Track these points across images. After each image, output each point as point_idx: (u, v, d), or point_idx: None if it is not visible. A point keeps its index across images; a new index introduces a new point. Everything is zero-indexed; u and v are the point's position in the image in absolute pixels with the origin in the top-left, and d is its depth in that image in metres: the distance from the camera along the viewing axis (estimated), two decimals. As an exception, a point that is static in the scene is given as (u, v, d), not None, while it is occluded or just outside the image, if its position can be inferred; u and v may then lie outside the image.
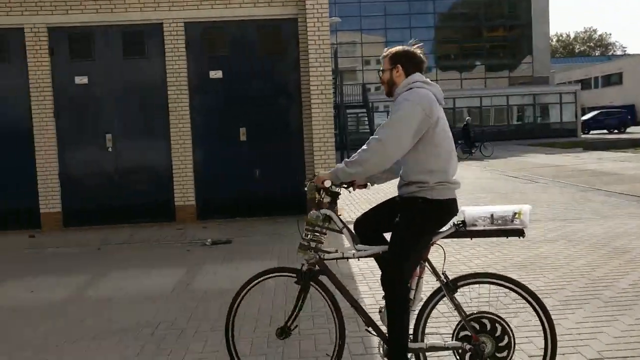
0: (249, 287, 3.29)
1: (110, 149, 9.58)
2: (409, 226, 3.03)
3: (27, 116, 9.47)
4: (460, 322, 3.04)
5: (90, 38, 9.50)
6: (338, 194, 3.16)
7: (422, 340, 3.12)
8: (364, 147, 3.01)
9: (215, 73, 9.64)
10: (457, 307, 3.02)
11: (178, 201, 9.60)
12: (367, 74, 45.80)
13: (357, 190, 3.34)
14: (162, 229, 9.19)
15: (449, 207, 3.09)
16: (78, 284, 6.00)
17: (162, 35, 9.51)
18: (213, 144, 9.72)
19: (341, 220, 3.18)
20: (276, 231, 8.56)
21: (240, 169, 9.72)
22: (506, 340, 3.00)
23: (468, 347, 3.00)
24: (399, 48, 3.23)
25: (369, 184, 3.30)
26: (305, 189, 4.19)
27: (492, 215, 3.02)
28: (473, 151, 24.12)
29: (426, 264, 3.10)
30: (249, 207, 9.74)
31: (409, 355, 3.07)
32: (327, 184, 3.08)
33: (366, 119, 31.42)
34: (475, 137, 24.80)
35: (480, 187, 12.70)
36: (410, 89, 3.08)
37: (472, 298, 3.54)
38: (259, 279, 3.28)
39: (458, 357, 3.05)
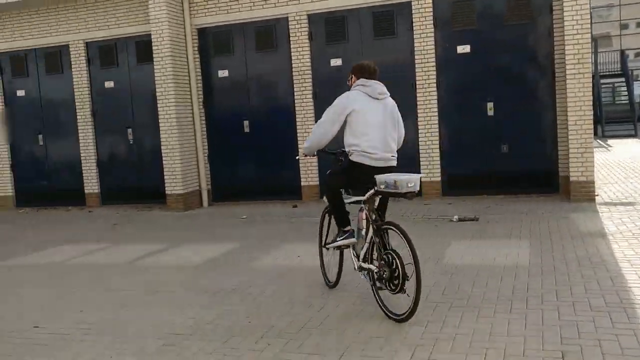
0: (324, 214, 5.17)
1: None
2: (334, 168, 4.82)
3: (290, 98, 10.46)
4: (379, 252, 4.30)
5: (343, 21, 10.07)
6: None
7: (369, 263, 4.45)
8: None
9: (463, 48, 9.51)
10: (379, 241, 4.28)
11: (424, 177, 9.77)
12: (624, 40, 40.89)
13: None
14: (409, 203, 9.45)
15: (362, 170, 4.46)
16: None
17: (411, 13, 9.66)
18: (459, 119, 9.66)
19: None
20: (524, 209, 8.23)
21: (486, 145, 9.53)
22: (397, 274, 4.08)
23: (377, 269, 4.28)
24: (355, 64, 4.83)
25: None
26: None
27: (394, 182, 4.13)
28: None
29: (365, 213, 4.50)
30: (495, 183, 9.51)
31: (365, 271, 4.52)
32: (301, 155, 5.20)
33: (624, 89, 28.14)
34: None
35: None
36: (352, 89, 4.70)
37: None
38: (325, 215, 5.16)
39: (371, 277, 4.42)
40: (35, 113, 12.03)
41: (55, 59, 11.76)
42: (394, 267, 4.12)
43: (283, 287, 5.26)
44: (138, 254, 7.22)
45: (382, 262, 4.21)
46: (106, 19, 11.27)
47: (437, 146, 9.73)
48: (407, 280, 4.03)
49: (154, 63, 10.55)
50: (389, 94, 4.77)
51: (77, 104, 11.64)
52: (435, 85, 9.66)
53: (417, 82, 9.72)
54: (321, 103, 10.30)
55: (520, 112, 9.33)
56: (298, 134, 10.43)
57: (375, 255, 4.40)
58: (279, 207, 10.22)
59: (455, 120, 9.69)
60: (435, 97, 9.68)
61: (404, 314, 4.07)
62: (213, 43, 10.86)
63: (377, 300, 4.37)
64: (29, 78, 11.99)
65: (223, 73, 10.87)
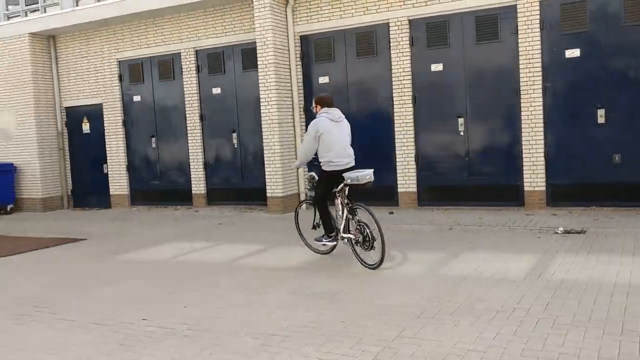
0: (296, 210, 7.58)
1: (462, 132, 9.92)
2: (318, 179, 6.84)
3: (389, 103, 10.46)
4: (356, 224, 6.34)
5: (445, 26, 9.93)
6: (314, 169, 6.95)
7: (348, 233, 6.46)
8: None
9: (572, 52, 9.09)
10: (354, 218, 6.35)
11: (527, 186, 9.42)
12: None
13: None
14: (510, 213, 9.16)
15: (332, 174, 6.50)
16: (433, 261, 6.43)
17: (516, 17, 9.37)
18: (566, 127, 9.23)
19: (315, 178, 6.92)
20: (638, 224, 7.72)
21: (596, 154, 9.04)
22: (368, 234, 6.14)
23: (354, 236, 6.32)
24: (317, 97, 6.81)
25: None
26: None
27: (357, 177, 6.33)
28: None
29: (339, 198, 6.54)
30: (605, 195, 9.00)
31: (344, 239, 6.56)
32: (295, 167, 9.09)
33: None
34: None
35: None
36: (319, 115, 6.60)
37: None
38: (302, 204, 7.69)
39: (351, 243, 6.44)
40: (149, 117, 12.81)
41: (168, 66, 12.46)
42: (365, 233, 6.20)
43: (379, 293, 5.28)
44: (240, 253, 7.50)
45: (357, 231, 6.29)
46: (214, 27, 11.80)
47: (542, 154, 9.35)
48: (375, 241, 6.11)
49: (258, 70, 10.91)
50: (344, 116, 6.80)
51: (187, 108, 12.27)
52: (540, 90, 9.29)
53: (521, 88, 9.39)
54: (421, 108, 10.22)
55: (636, 121, 8.78)
56: (396, 140, 10.40)
57: (351, 227, 6.44)
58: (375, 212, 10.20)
59: (561, 127, 9.27)
60: (541, 103, 9.31)
61: (375, 263, 6.14)
62: (315, 50, 11.07)
63: (356, 256, 6.38)
64: (144, 84, 12.78)
65: (324, 79, 11.05)
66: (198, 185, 12.33)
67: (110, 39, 12.97)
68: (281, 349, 4.05)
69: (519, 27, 9.35)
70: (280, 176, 10.83)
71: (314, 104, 6.85)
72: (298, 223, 7.41)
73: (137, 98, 12.92)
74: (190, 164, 12.37)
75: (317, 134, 6.47)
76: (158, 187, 12.88)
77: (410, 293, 5.21)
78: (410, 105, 10.26)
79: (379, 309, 4.82)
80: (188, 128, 12.32)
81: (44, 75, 13.47)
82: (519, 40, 9.37)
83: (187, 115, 12.30)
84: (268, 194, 10.96)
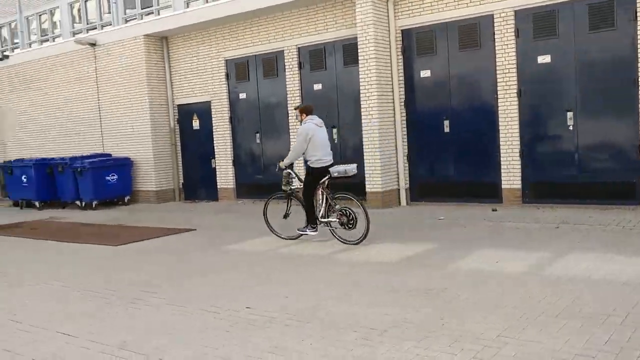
0: (267, 203, 8.71)
1: (570, 127, 9.46)
2: (306, 175, 8.00)
3: (492, 96, 10.17)
4: (339, 210, 7.71)
5: (553, 16, 9.49)
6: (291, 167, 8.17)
7: (327, 217, 7.83)
8: (290, 151, 8.16)
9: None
10: (334, 205, 7.76)
11: (644, 183, 8.84)
12: None
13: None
14: (624, 212, 8.63)
15: (319, 169, 7.81)
16: (537, 260, 6.20)
17: (635, 2, 8.79)
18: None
19: (294, 175, 8.18)
20: None
21: None
22: (353, 218, 7.59)
23: (338, 219, 7.70)
24: (303, 106, 8.18)
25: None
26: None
27: (345, 170, 7.80)
28: None
29: (320, 189, 7.87)
30: None
31: (326, 224, 7.93)
32: (282, 165, 8.13)
33: None
34: None
35: None
36: (305, 122, 7.90)
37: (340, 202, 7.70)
38: (270, 199, 8.67)
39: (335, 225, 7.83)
40: (253, 114, 13.24)
41: (271, 64, 12.82)
42: (350, 216, 7.63)
43: (480, 292, 5.18)
44: (336, 248, 7.60)
45: (340, 214, 7.70)
46: (316, 24, 11.99)
47: (662, 149, 8.73)
48: (357, 221, 7.57)
49: (359, 65, 10.96)
50: (323, 123, 8.12)
51: (289, 105, 12.56)
52: (661, 81, 8.67)
53: (640, 78, 8.81)
54: (527, 102, 9.85)
55: None
56: (500, 135, 10.09)
57: (331, 212, 7.83)
58: (477, 209, 10.00)
59: (685, 120, 8.60)
60: (661, 95, 8.68)
61: (358, 239, 7.56)
62: (416, 43, 10.95)
63: (335, 237, 7.87)
64: (249, 82, 13.23)
65: (425, 73, 10.91)
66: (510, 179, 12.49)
67: (217, 39, 13.53)
68: (380, 342, 4.10)
69: (639, 13, 8.77)
70: (380, 171, 10.84)
71: (298, 112, 8.12)
72: (266, 213, 8.64)
73: (242, 95, 13.39)
74: (292, 159, 12.64)
75: (307, 136, 7.75)
76: (262, 181, 13.30)
77: (511, 293, 5.07)
78: (515, 98, 9.91)
79: (477, 307, 4.73)
80: (290, 124, 12.61)
81: (157, 75, 14.30)
82: (639, 28, 8.78)
83: (288, 112, 12.59)
84: (367, 189, 11.01)
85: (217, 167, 13.93)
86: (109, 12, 19.04)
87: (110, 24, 18.65)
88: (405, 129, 11.22)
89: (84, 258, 8.05)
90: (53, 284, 6.62)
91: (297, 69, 12.39)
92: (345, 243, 7.63)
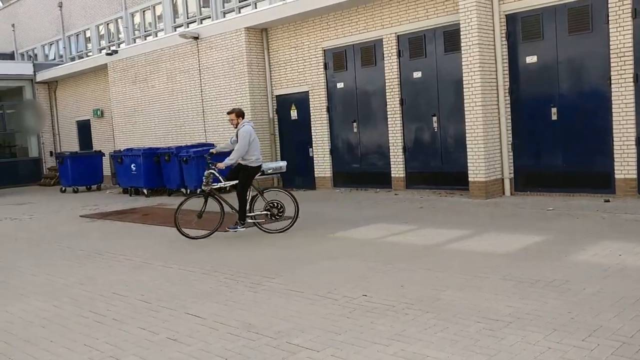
0: (181, 204, 8.61)
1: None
2: (244, 174, 8.47)
3: (605, 82, 9.67)
4: (265, 204, 8.55)
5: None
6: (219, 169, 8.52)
7: (253, 212, 8.59)
8: (233, 153, 8.38)
9: None
10: (264, 199, 8.56)
11: None
12: None
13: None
14: None
15: (256, 168, 8.55)
16: (665, 255, 5.88)
17: None
18: None
19: (217, 175, 8.49)
20: None
21: None
22: (282, 210, 8.60)
23: (268, 212, 8.54)
24: (238, 110, 8.70)
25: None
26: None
27: (280, 166, 9.21)
28: None
29: (252, 187, 8.57)
30: None
31: (251, 218, 8.59)
32: (223, 165, 8.38)
33: None
34: None
35: None
36: (243, 125, 8.47)
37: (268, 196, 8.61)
38: (187, 200, 8.73)
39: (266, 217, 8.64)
40: (351, 103, 13.30)
41: (369, 52, 12.80)
42: (280, 207, 8.55)
43: (607, 286, 4.97)
44: (445, 237, 7.54)
45: (270, 206, 8.52)
46: (416, 11, 11.84)
47: None
48: (284, 212, 8.55)
49: (462, 51, 10.74)
50: None
51: (387, 93, 12.52)
52: None
53: None
54: (645, 87, 9.30)
55: None
56: (614, 121, 9.58)
57: (258, 206, 8.59)
58: (587, 200, 9.58)
59: None
60: None
61: (285, 228, 8.59)
62: (521, 28, 10.58)
63: (261, 229, 8.61)
64: (347, 71, 13.29)
65: (531, 59, 10.53)
66: (397, 168, 12.56)
67: (316, 29, 13.66)
68: (506, 334, 4.03)
69: None
70: (483, 160, 10.60)
71: (234, 116, 8.55)
72: (178, 212, 8.56)
73: (340, 85, 13.47)
74: (390, 147, 12.62)
75: (250, 138, 8.37)
76: (358, 170, 13.36)
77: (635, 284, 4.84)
78: (631, 83, 9.37)
79: (606, 300, 4.55)
80: (388, 112, 12.57)
81: (257, 66, 14.65)
82: None
83: (387, 100, 12.55)
84: (470, 179, 10.80)
85: (314, 156, 14.12)
86: (207, 7, 19.66)
87: (210, 17, 19.27)
88: (509, 117, 10.89)
89: (195, 243, 8.42)
90: (172, 266, 6.98)
91: (395, 57, 12.31)
92: (271, 233, 8.53)
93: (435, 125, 11.88)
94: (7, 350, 4.47)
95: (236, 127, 8.58)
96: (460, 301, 4.85)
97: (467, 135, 10.79)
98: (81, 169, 17.45)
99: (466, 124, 10.78)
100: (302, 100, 14.24)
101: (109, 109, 19.52)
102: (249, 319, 4.81)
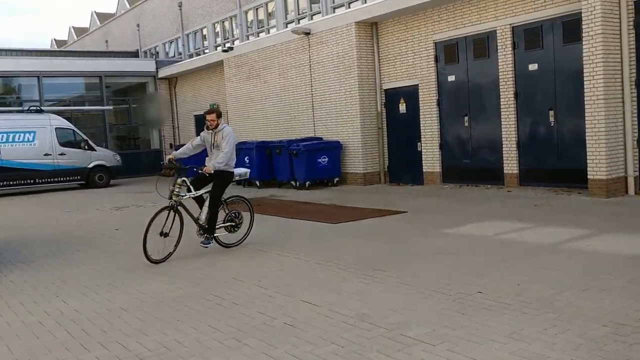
0: (153, 218, 7.12)
1: None
2: (222, 180, 7.57)
3: None
4: (226, 214, 7.81)
5: None
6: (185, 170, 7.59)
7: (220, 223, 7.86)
8: (222, 155, 7.46)
9: None
10: (226, 209, 7.81)
11: None
12: None
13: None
14: None
15: (232, 174, 7.78)
16: None
17: None
18: None
19: (188, 183, 7.47)
20: None
21: None
22: (241, 220, 7.90)
23: (228, 223, 7.79)
24: (218, 110, 7.80)
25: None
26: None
27: (245, 172, 8.39)
28: None
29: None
30: None
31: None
32: (210, 170, 7.39)
33: None
34: None
35: None
36: (224, 126, 7.63)
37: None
38: (158, 213, 7.18)
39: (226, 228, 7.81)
40: (462, 96, 13.04)
41: (482, 45, 12.48)
42: (240, 217, 7.87)
43: None
44: (563, 236, 7.24)
45: (232, 216, 7.81)
46: (533, 1, 11.38)
47: None
48: (241, 223, 7.88)
49: (583, 42, 10.20)
50: None
51: (500, 86, 12.15)
52: None
53: None
54: None
55: None
56: None
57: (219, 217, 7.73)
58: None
59: None
60: None
61: (238, 241, 7.92)
62: (652, 16, 9.89)
63: (220, 243, 7.77)
64: (459, 64, 13.03)
65: (663, 49, 9.82)
66: (510, 164, 12.16)
67: (427, 22, 13.50)
68: (637, 340, 3.84)
69: None
70: (605, 157, 10.03)
71: (214, 116, 7.52)
72: (148, 231, 7.01)
73: (451, 78, 13.24)
74: (503, 142, 12.25)
75: (235, 140, 7.78)
76: (469, 165, 13.08)
77: None
78: None
79: None
80: (501, 106, 12.20)
81: (367, 60, 14.71)
82: None
83: (500, 93, 12.18)
84: (589, 176, 10.26)
85: (422, 150, 13.99)
86: (317, 2, 19.99)
87: (319, 13, 19.58)
88: (635, 111, 10.22)
89: (309, 234, 8.65)
90: (286, 255, 7.23)
91: (510, 48, 11.91)
92: (226, 247, 7.77)
93: (552, 119, 11.38)
94: (142, 327, 4.85)
95: (214, 129, 7.54)
96: (582, 303, 4.66)
97: (587, 130, 10.25)
98: (198, 161, 18.28)
99: (586, 118, 10.24)
100: (411, 94, 14.14)
101: (224, 103, 20.39)
102: (362, 309, 4.90)
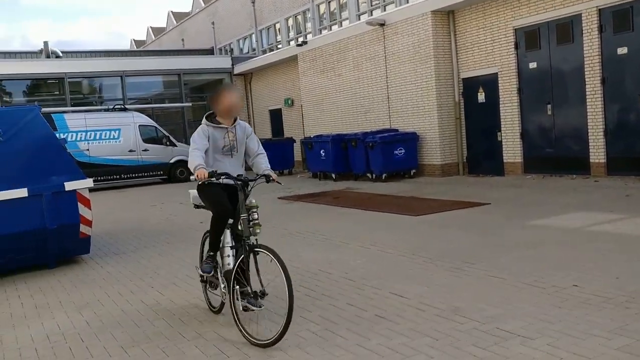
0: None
1: None
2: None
3: None
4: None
5: None
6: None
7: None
8: (264, 155, 5.12)
9: None
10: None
11: None
12: None
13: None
14: None
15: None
16: None
17: None
18: None
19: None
20: None
21: None
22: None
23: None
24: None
25: None
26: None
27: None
28: None
29: None
30: None
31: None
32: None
33: None
34: None
35: None
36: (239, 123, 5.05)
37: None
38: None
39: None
40: (544, 84, 12.59)
41: (566, 29, 11.99)
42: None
43: None
44: (662, 229, 6.88)
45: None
46: (622, -19, 10.84)
47: None
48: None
49: (679, 23, 9.63)
50: None
51: (586, 72, 11.65)
52: None
53: None
54: None
55: None
56: None
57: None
58: None
59: None
60: None
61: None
62: None
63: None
64: (541, 50, 12.58)
65: None
66: (597, 153, 11.66)
67: (506, 8, 13.11)
68: None
69: None
70: None
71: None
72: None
73: (532, 65, 12.81)
74: (589, 131, 11.75)
75: None
76: (552, 154, 12.63)
77: None
78: None
79: None
80: (587, 92, 11.69)
81: (443, 49, 14.46)
82: None
83: (586, 79, 11.68)
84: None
85: (503, 140, 13.63)
86: (390, -8, 19.80)
87: (392, 3, 19.39)
88: None
89: (391, 226, 8.61)
90: (369, 247, 7.23)
91: (596, 32, 11.39)
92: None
93: (645, 107, 10.81)
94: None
95: (233, 124, 5.00)
96: (690, 298, 4.43)
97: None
98: (275, 155, 18.64)
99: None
100: (490, 82, 13.78)
101: (299, 97, 20.58)
102: (454, 302, 4.84)
